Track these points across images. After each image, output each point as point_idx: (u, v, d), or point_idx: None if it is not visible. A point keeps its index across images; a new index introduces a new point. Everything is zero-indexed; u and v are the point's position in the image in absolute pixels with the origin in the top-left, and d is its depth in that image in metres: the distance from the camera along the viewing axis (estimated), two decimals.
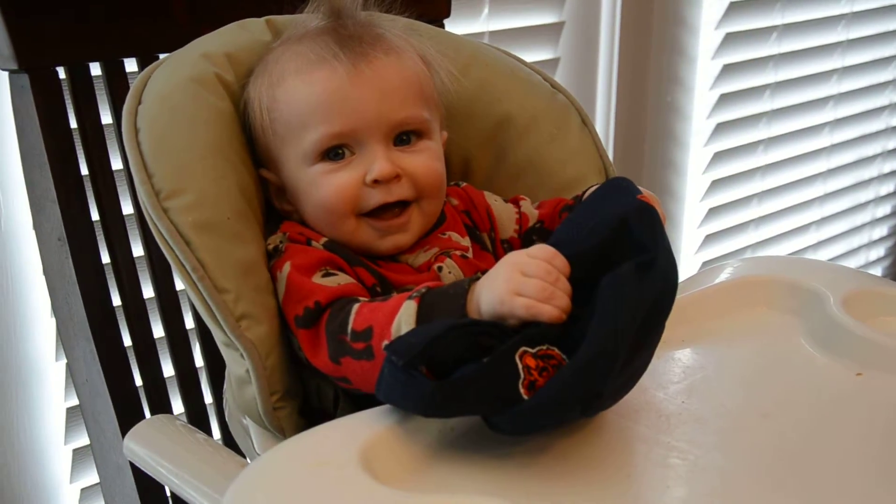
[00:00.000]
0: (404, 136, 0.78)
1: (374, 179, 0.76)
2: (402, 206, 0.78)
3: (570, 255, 0.64)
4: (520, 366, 0.59)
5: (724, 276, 0.84)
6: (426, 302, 0.67)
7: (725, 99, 1.75)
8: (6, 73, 0.87)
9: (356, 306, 0.70)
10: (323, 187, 0.77)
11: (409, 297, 0.67)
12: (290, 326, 0.74)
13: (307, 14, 0.83)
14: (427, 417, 0.61)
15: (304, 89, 0.77)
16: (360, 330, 0.68)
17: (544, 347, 0.61)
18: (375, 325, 0.68)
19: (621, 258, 0.60)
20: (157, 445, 0.76)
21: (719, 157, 1.79)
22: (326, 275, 0.74)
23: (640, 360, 0.62)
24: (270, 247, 0.77)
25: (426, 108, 0.80)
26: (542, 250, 0.64)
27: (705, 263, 1.86)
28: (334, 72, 0.76)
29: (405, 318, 0.66)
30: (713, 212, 1.83)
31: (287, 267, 0.74)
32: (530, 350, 0.60)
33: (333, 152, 0.77)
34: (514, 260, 0.64)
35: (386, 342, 0.65)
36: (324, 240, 0.77)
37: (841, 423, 0.66)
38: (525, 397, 0.58)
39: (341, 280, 0.73)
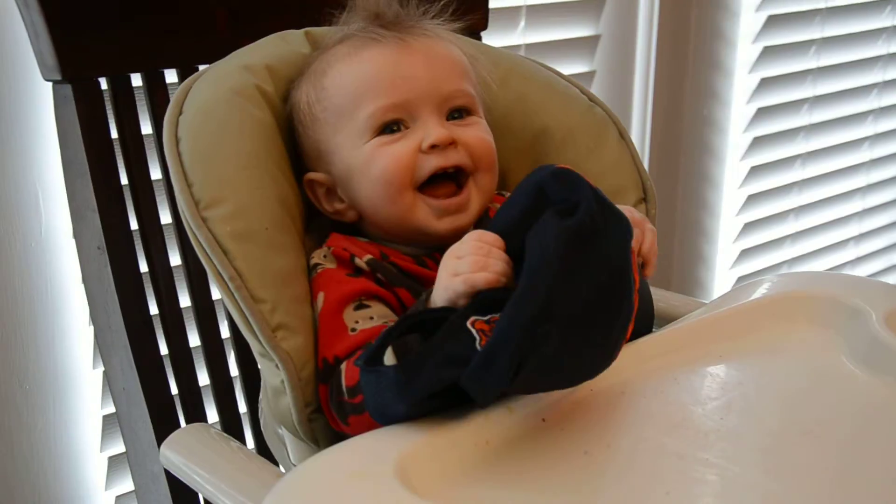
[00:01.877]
0: (455, 113, 0.79)
1: (431, 144, 0.76)
2: (459, 178, 0.78)
3: (498, 232, 0.66)
4: (473, 330, 0.60)
5: (762, 291, 0.83)
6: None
7: (762, 113, 1.74)
8: (50, 84, 0.89)
9: (343, 366, 0.70)
10: (380, 159, 0.77)
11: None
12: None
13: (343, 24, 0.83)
14: (411, 414, 0.61)
15: (353, 69, 0.78)
16: (352, 385, 0.69)
17: (496, 316, 0.61)
18: None
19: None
20: (193, 454, 0.76)
21: (756, 171, 1.78)
22: (359, 307, 0.73)
23: (601, 305, 0.61)
24: (313, 261, 0.77)
25: (472, 86, 0.81)
26: (468, 234, 0.67)
27: (741, 279, 1.84)
28: (383, 47, 0.77)
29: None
30: (749, 226, 1.81)
31: (321, 301, 0.74)
32: (482, 318, 0.61)
33: (388, 127, 0.77)
34: (448, 251, 0.67)
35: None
36: (367, 257, 0.77)
37: (884, 443, 0.65)
38: None
39: (373, 313, 0.73)
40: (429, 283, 0.77)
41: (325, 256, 0.77)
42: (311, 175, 0.81)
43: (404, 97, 0.76)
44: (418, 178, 0.77)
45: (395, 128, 0.77)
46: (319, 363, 0.73)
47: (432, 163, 0.76)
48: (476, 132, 0.79)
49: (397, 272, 0.77)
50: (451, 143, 0.77)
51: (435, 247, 0.78)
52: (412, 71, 0.77)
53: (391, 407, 0.61)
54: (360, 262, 0.76)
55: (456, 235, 0.70)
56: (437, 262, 0.70)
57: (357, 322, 0.72)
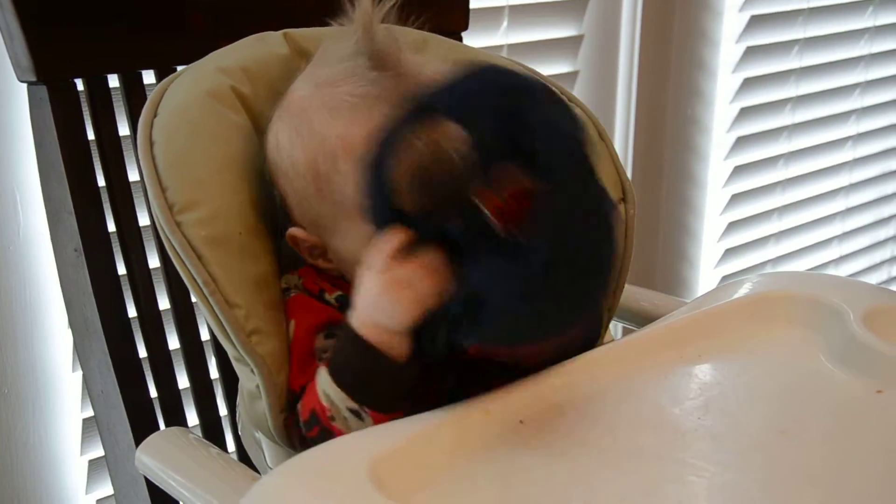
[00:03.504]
0: None
1: None
2: None
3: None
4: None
5: (743, 290, 0.83)
6: (334, 361, 0.68)
7: (746, 112, 1.74)
8: (25, 85, 0.88)
9: (299, 405, 0.70)
10: None
11: (320, 366, 0.69)
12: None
13: (337, 45, 0.77)
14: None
15: None
16: (307, 418, 0.69)
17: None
18: (315, 405, 0.68)
19: None
20: (169, 458, 0.76)
21: (739, 170, 1.78)
22: (329, 335, 0.73)
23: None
24: (283, 286, 0.76)
25: None
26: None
27: (725, 278, 1.84)
28: None
29: (325, 385, 0.67)
30: (733, 226, 1.82)
31: (292, 328, 0.74)
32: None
33: None
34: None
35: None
36: (337, 293, 0.75)
37: (861, 441, 0.65)
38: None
39: None
40: None
41: (295, 286, 0.77)
42: (298, 233, 0.76)
43: None
44: None
45: None
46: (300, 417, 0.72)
47: None
48: None
49: None
50: None
51: None
52: None
53: None
54: (330, 297, 0.75)
55: None
56: None
57: (326, 352, 0.72)
